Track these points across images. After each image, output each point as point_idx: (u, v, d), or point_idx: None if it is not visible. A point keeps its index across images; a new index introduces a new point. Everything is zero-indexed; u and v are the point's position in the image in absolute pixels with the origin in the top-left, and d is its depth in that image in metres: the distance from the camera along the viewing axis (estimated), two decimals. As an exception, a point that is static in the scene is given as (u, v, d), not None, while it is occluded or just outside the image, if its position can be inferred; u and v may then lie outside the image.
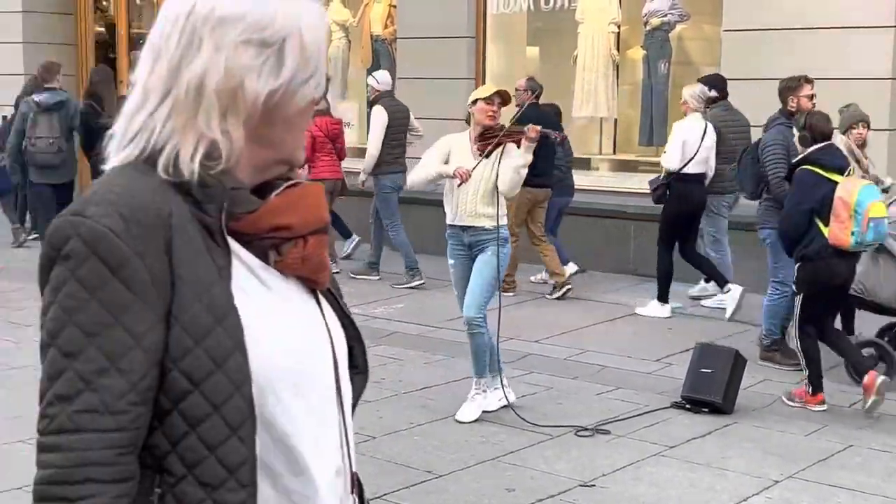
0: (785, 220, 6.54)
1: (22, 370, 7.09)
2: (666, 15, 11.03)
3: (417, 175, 6.30)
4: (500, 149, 6.04)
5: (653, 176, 11.26)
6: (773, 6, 9.36)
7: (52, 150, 10.32)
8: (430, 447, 5.65)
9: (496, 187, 6.04)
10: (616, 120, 11.62)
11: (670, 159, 8.58)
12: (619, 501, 4.97)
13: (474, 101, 6.13)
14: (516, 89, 9.28)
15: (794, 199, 6.45)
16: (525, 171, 6.08)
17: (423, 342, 7.96)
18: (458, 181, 6.01)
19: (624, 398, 6.60)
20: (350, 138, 13.17)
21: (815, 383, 6.41)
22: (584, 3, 11.34)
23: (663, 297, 8.81)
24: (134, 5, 16.25)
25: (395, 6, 12.32)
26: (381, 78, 10.08)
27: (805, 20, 9.21)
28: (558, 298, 9.38)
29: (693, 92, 8.63)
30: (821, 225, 6.25)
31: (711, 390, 6.28)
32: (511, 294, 9.17)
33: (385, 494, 4.97)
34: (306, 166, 9.93)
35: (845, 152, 6.92)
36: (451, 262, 6.29)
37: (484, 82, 11.32)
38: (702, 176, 8.65)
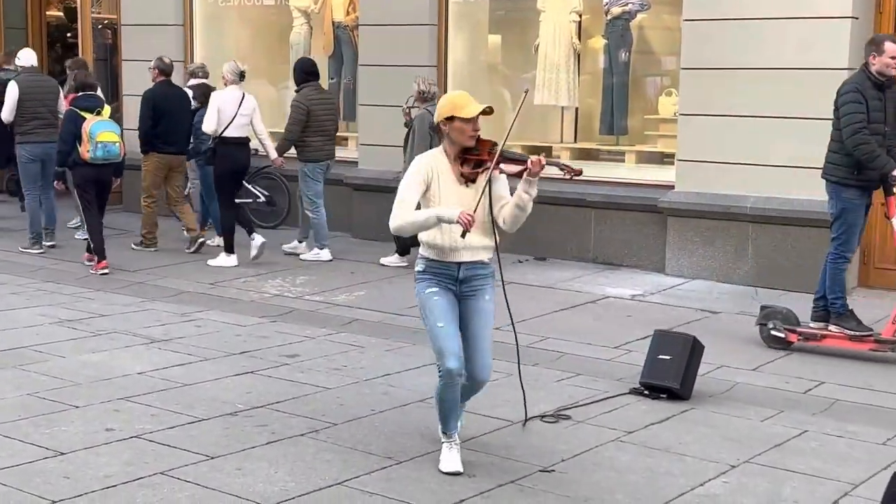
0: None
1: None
2: (627, 4, 11.10)
3: (405, 220, 5.05)
4: (486, 174, 5.04)
5: (616, 164, 11.31)
6: (733, -4, 9.43)
7: None
8: (390, 434, 5.67)
9: (490, 216, 5.12)
10: (577, 109, 11.66)
11: (208, 124, 10.16)
12: (578, 486, 5.01)
13: (450, 118, 5.02)
14: (149, 68, 10.98)
15: (64, 130, 9.87)
16: (531, 206, 5.09)
17: (384, 329, 7.98)
18: (461, 230, 4.90)
19: (583, 384, 6.65)
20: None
21: (98, 253, 9.89)
22: (545, -9, 11.37)
23: (230, 249, 10.26)
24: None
25: (357, -7, 12.28)
26: (23, 55, 11.41)
27: (764, 10, 9.29)
28: (195, 252, 10.78)
29: (229, 67, 10.33)
30: (79, 146, 9.62)
31: (669, 376, 6.35)
32: (153, 249, 10.92)
33: (346, 481, 4.99)
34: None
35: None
36: (433, 289, 5.15)
37: (446, 70, 11.32)
38: (243, 139, 10.32)
